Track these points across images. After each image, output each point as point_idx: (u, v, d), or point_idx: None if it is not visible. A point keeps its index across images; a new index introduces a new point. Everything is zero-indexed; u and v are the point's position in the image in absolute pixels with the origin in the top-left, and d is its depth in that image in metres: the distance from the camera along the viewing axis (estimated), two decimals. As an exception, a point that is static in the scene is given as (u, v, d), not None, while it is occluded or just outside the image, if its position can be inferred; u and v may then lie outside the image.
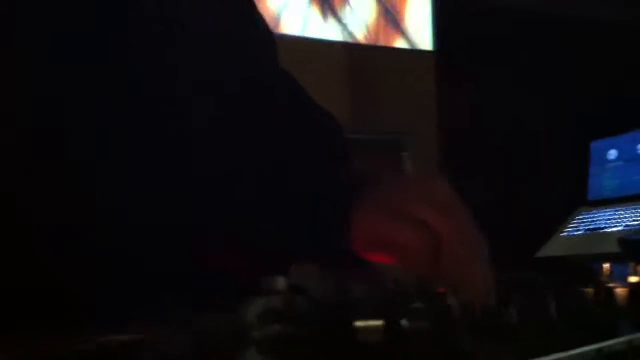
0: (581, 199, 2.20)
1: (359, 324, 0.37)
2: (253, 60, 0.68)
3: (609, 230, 1.91)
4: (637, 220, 1.86)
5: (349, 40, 3.71)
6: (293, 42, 3.87)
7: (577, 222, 2.07)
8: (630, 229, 1.79)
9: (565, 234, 2.06)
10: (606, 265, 0.75)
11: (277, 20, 3.63)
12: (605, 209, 2.03)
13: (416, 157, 4.48)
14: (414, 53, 3.80)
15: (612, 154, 2.11)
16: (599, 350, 0.41)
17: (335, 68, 3.88)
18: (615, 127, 2.11)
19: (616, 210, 1.98)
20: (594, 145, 2.19)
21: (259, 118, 0.60)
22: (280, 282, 0.36)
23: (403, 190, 0.53)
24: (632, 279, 0.64)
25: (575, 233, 2.02)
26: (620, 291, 0.56)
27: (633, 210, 1.92)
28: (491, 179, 3.62)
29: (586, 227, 2.01)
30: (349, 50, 3.83)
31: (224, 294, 0.37)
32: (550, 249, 2.02)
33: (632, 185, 2.01)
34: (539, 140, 3.31)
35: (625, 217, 1.92)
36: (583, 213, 2.10)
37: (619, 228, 1.89)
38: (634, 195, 1.98)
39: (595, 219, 2.02)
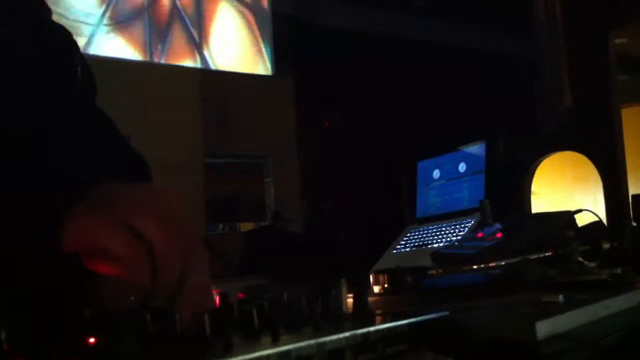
0: (413, 217, 2.31)
1: None
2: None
3: (433, 245, 2.01)
4: (457, 235, 1.96)
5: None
6: (153, 69, 3.81)
7: (406, 239, 2.16)
8: (447, 244, 1.89)
9: (395, 250, 2.14)
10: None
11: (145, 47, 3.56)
12: (430, 225, 2.13)
13: (278, 180, 4.54)
14: (274, 79, 3.85)
15: (436, 173, 2.23)
16: (324, 344, 0.43)
17: (194, 93, 3.86)
18: (439, 147, 2.23)
19: (439, 227, 2.08)
20: (420, 165, 2.30)
21: None
22: None
23: (121, 201, 0.53)
24: (375, 288, 0.67)
25: (403, 250, 2.11)
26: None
27: (454, 226, 2.03)
28: (340, 201, 3.72)
29: (413, 244, 2.10)
30: (208, 77, 3.83)
31: None
32: (381, 265, 2.09)
33: (453, 202, 2.13)
34: (381, 163, 3.44)
35: (447, 233, 2.03)
36: (412, 230, 2.20)
37: (441, 243, 1.99)
38: (455, 212, 2.09)
39: (421, 236, 2.12)
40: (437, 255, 1.55)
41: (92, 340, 0.48)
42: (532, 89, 3.10)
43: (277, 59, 3.69)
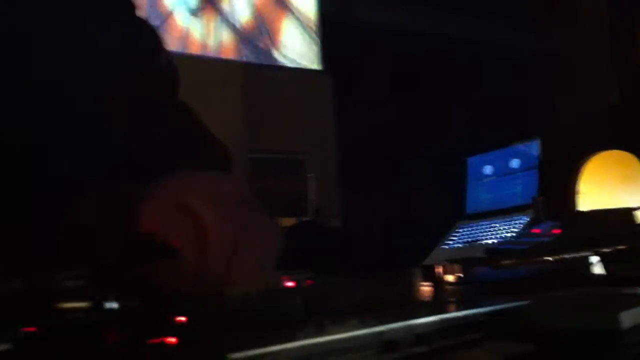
0: (461, 213, 2.29)
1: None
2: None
3: (485, 242, 2.00)
4: (509, 232, 1.95)
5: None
6: (193, 62, 3.85)
7: (456, 235, 2.16)
8: (502, 240, 1.88)
9: (445, 246, 2.13)
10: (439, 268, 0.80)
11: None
12: (481, 221, 2.12)
13: (319, 175, 4.55)
14: (312, 73, 3.87)
15: (487, 169, 2.22)
16: (382, 333, 0.44)
17: (234, 87, 3.90)
18: (490, 144, 2.22)
19: (491, 223, 2.07)
20: (471, 161, 2.29)
21: None
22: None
23: (177, 185, 0.56)
24: (448, 277, 0.68)
25: (454, 246, 2.10)
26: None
27: (506, 223, 2.01)
28: (385, 196, 3.71)
29: (464, 240, 2.10)
30: (250, 71, 3.86)
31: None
32: (431, 261, 2.09)
33: (505, 198, 2.11)
34: (424, 158, 3.43)
35: (500, 229, 2.01)
36: (462, 226, 2.19)
37: (494, 240, 1.98)
38: (507, 208, 2.07)
39: (472, 232, 2.11)
40: (494, 251, 1.54)
41: (181, 318, 0.50)
42: (575, 86, 3.05)
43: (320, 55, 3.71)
